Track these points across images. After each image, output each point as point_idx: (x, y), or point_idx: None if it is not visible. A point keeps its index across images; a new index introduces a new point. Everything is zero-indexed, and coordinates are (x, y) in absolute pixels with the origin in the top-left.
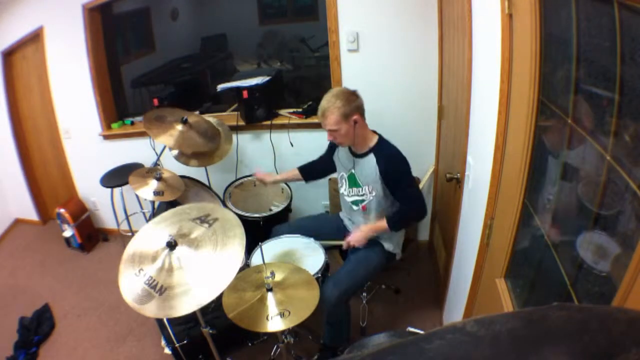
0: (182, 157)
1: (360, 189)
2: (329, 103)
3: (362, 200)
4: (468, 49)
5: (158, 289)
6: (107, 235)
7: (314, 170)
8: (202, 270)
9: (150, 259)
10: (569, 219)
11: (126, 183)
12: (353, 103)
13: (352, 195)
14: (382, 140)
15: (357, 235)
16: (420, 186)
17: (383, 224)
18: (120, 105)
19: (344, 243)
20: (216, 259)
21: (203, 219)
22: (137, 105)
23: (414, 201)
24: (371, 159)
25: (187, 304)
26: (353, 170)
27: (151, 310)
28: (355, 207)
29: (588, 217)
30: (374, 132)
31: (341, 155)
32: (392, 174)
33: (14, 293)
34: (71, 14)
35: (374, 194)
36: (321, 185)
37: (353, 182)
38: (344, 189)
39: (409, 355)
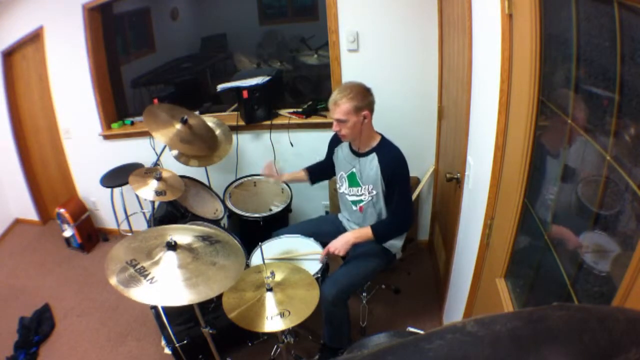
0: (182, 157)
1: (360, 189)
2: (344, 92)
3: (360, 201)
4: (468, 49)
5: (148, 278)
6: (107, 235)
7: (321, 171)
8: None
9: (145, 254)
10: (569, 219)
11: (126, 183)
12: (367, 99)
13: (352, 195)
14: (384, 140)
15: (338, 243)
16: (420, 186)
17: (368, 232)
18: (120, 105)
19: (321, 254)
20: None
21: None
22: (137, 106)
23: (404, 209)
24: (373, 158)
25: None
26: (354, 170)
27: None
28: (354, 207)
29: (588, 217)
30: (377, 132)
31: (341, 156)
32: (393, 176)
33: (14, 293)
34: (71, 14)
35: (374, 193)
36: (321, 186)
37: (353, 181)
38: (344, 187)
39: (409, 355)
